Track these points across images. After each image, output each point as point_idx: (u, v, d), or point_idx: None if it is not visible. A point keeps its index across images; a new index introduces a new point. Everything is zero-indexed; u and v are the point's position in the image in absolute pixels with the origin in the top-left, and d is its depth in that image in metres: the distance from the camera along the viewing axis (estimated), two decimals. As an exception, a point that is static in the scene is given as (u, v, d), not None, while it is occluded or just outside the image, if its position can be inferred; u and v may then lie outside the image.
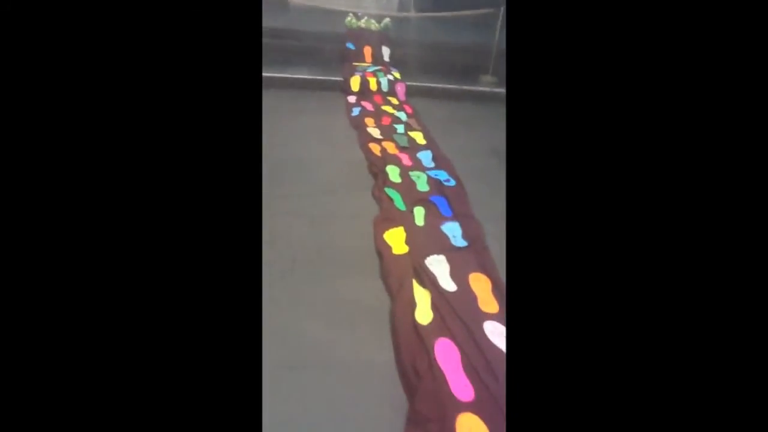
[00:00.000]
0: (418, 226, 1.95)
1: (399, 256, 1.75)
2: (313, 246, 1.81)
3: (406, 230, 1.89)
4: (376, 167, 2.45)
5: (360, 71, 4.03)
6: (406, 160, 2.59)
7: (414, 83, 3.94)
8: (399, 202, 2.11)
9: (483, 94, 4.07)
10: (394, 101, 3.69)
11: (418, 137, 2.95)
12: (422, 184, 2.31)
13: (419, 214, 2.03)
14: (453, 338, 1.37)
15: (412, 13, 5.35)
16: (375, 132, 2.96)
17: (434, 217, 2.02)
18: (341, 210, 2.09)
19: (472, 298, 1.56)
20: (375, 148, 2.71)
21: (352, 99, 3.62)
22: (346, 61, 4.30)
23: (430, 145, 2.84)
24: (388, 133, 2.95)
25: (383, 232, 1.89)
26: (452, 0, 6.98)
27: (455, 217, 2.05)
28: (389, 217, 1.98)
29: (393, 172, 2.41)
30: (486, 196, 2.29)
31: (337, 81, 3.84)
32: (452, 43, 4.82)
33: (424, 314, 1.47)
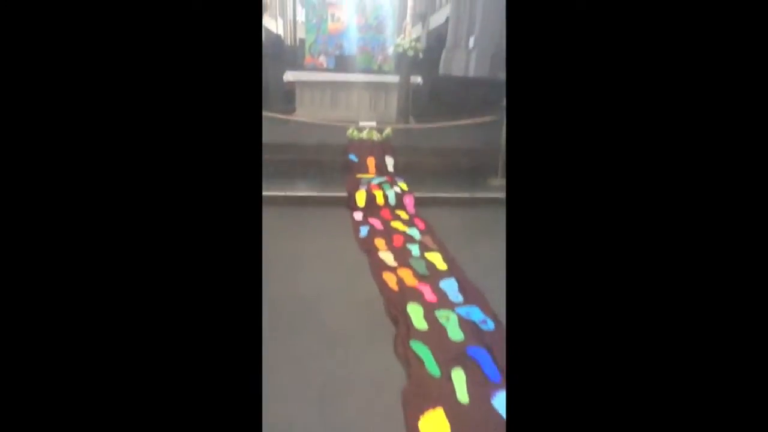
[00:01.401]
0: (462, 405, 1.48)
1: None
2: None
3: (447, 414, 1.42)
4: (395, 308, 2.05)
5: (365, 184, 3.84)
6: (428, 293, 2.20)
7: (422, 194, 3.73)
8: (431, 363, 1.67)
9: (495, 198, 3.84)
10: (404, 215, 3.42)
11: (437, 260, 2.59)
12: (454, 331, 1.89)
13: (459, 382, 1.58)
14: None
15: (413, 125, 5.39)
16: (388, 257, 2.61)
17: (479, 386, 1.56)
18: (357, 376, 1.63)
19: None
20: (390, 279, 2.34)
21: (358, 216, 3.35)
22: (350, 174, 4.16)
23: (453, 271, 2.47)
24: (404, 258, 2.61)
25: (417, 418, 1.41)
26: (450, 103, 7.25)
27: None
28: (422, 391, 1.52)
29: (416, 315, 2.00)
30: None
31: (341, 197, 3.62)
32: (456, 147, 4.74)
33: None
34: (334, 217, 3.36)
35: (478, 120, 4.42)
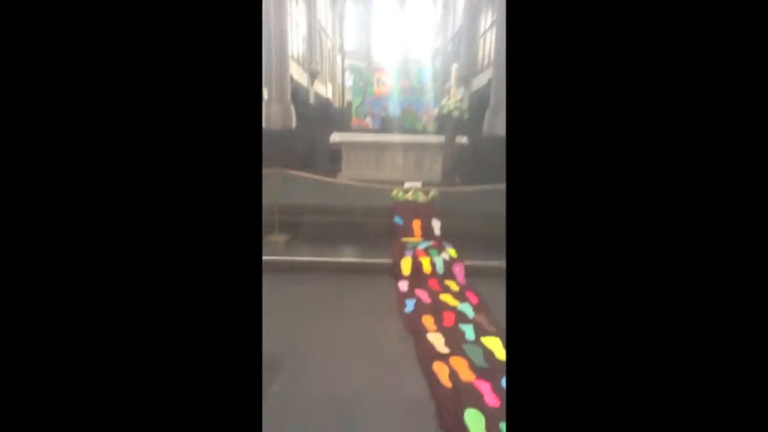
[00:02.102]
0: None
1: None
2: None
3: None
4: (450, 415, 1.70)
5: (410, 249, 3.60)
6: (490, 396, 1.83)
7: (473, 262, 3.42)
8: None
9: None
10: (454, 286, 3.11)
11: (497, 347, 2.23)
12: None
13: None
14: None
15: (460, 186, 5.19)
16: (438, 341, 2.28)
17: None
18: None
19: None
20: (442, 372, 2.00)
21: (403, 286, 3.08)
22: (395, 238, 3.95)
23: (516, 363, 2.09)
24: (456, 342, 2.27)
25: None
26: (496, 163, 7.06)
27: None
28: None
29: (476, 425, 1.64)
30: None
31: (385, 263, 3.38)
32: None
33: None
34: (377, 287, 3.10)
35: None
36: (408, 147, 6.20)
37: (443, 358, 2.12)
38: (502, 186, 4.45)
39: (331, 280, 3.18)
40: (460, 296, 2.93)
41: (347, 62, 19.08)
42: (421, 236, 4.02)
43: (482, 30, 12.91)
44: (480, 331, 2.41)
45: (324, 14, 16.97)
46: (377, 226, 4.15)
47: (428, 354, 2.15)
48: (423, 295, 2.93)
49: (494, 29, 10.69)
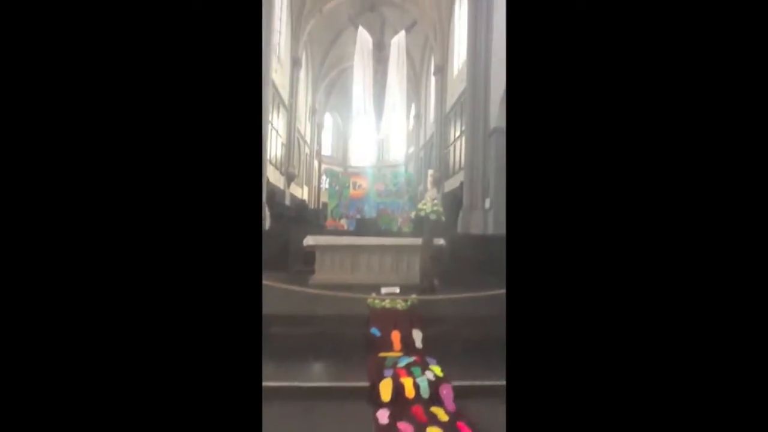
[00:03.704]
0: None
1: None
2: None
3: None
4: None
5: (390, 367, 3.18)
6: None
7: (462, 382, 3.01)
8: None
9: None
10: (442, 415, 2.66)
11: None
12: None
13: None
14: None
15: (441, 294, 4.92)
16: (429, 501, 1.81)
17: None
18: None
19: None
20: None
21: (383, 417, 2.61)
22: (372, 353, 3.52)
23: None
24: (452, 502, 1.80)
25: None
26: (475, 262, 6.94)
27: None
28: None
29: None
30: None
31: (362, 387, 2.93)
32: (492, 315, 4.15)
33: None
34: (352, 417, 2.61)
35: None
36: (384, 249, 6.04)
37: None
38: (488, 293, 4.21)
39: (298, 411, 2.68)
40: (450, 428, 2.48)
41: (324, 167, 19.93)
42: (402, 350, 3.61)
43: (452, 138, 13.93)
44: (479, 483, 1.95)
45: (303, 123, 18.11)
46: (352, 339, 3.74)
47: None
48: (407, 429, 2.47)
49: (463, 138, 11.54)
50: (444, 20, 14.53)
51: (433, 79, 16.21)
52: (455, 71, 13.90)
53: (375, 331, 3.82)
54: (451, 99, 14.11)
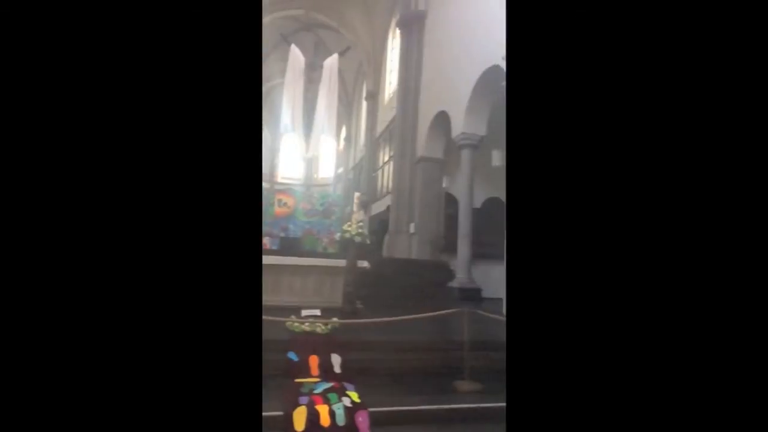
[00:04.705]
0: None
1: None
2: None
3: None
4: None
5: (306, 394, 3.04)
6: None
7: (379, 408, 2.96)
8: None
9: (469, 410, 3.15)
10: (357, 443, 2.58)
11: None
12: None
13: None
14: None
15: (363, 318, 4.86)
16: None
17: None
18: None
19: None
20: None
21: (295, 449, 2.47)
22: (288, 379, 3.35)
23: None
24: None
25: None
26: (398, 286, 7.02)
27: None
28: None
29: None
30: None
31: (275, 417, 2.75)
32: (413, 342, 4.20)
33: None
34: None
35: (442, 313, 4.01)
36: (307, 270, 5.88)
37: None
38: (413, 316, 4.24)
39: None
40: (365, 457, 2.41)
41: (249, 182, 19.09)
42: (319, 376, 3.48)
43: (380, 163, 14.22)
44: None
45: (228, 137, 17.33)
46: (267, 366, 3.52)
47: None
48: (320, 460, 2.35)
49: (392, 162, 11.84)
50: (378, 49, 15.05)
51: (364, 104, 16.57)
52: (386, 98, 14.36)
53: (292, 355, 3.65)
54: (381, 125, 14.50)
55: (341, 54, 9.59)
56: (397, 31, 12.28)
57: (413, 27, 11.18)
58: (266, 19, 14.34)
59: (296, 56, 8.71)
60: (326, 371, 3.55)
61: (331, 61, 8.77)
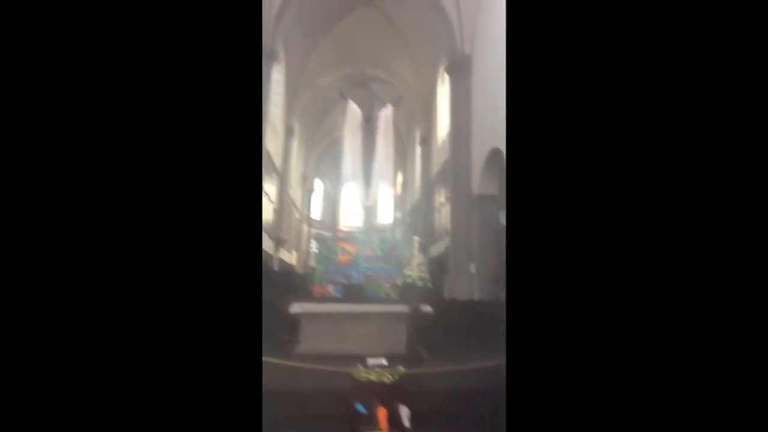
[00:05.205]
0: None
1: None
2: None
3: None
4: None
5: (375, 450, 2.99)
6: None
7: (451, 465, 2.83)
8: None
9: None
10: (430, 505, 2.47)
11: None
12: None
13: None
14: None
15: (429, 367, 4.77)
16: None
17: None
18: None
19: None
20: None
21: None
22: (356, 431, 3.33)
23: None
24: None
25: None
26: (462, 329, 6.80)
27: None
28: None
29: None
30: None
31: (344, 472, 2.74)
32: (479, 389, 4.00)
33: None
34: None
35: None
36: (371, 317, 5.92)
37: None
38: (476, 364, 4.09)
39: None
40: None
41: (313, 231, 20.01)
42: (387, 428, 3.42)
43: (437, 205, 14.27)
44: None
45: (294, 189, 18.48)
46: (337, 418, 3.54)
47: None
48: None
49: (449, 204, 11.85)
50: (428, 96, 15.58)
51: (418, 149, 16.98)
52: (439, 141, 14.63)
53: (360, 407, 3.64)
54: (435, 167, 14.70)
55: (395, 104, 10.08)
56: (446, 76, 12.69)
57: (461, 71, 11.51)
58: (324, 80, 15.56)
59: (354, 111, 9.29)
60: (396, 424, 3.48)
61: (386, 112, 9.24)
